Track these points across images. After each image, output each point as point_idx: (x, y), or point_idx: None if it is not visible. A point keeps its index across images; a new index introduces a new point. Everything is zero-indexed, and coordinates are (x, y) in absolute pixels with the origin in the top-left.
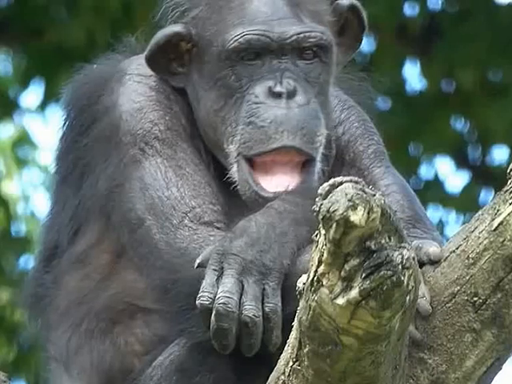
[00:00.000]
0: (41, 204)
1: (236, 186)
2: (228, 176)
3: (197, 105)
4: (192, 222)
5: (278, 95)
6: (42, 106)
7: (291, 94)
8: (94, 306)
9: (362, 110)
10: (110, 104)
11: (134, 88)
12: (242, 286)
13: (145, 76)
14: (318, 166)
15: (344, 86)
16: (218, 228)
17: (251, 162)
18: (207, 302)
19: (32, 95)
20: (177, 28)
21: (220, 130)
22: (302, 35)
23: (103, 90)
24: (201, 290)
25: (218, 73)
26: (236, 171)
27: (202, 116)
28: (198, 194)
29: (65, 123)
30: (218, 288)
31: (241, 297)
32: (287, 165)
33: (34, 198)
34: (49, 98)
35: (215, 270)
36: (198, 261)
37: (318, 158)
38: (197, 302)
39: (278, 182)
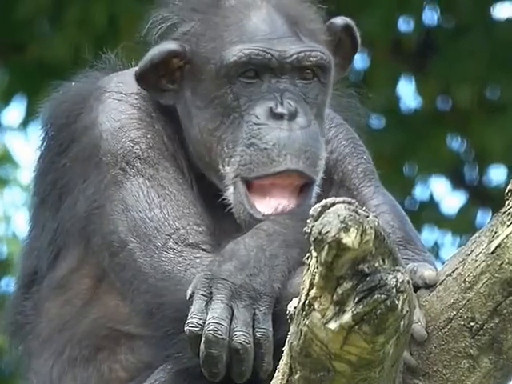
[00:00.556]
0: (23, 225)
1: (230, 209)
2: (220, 197)
3: (188, 123)
4: (176, 243)
5: (280, 116)
6: (24, 124)
7: (292, 116)
8: (76, 333)
9: (350, 128)
10: (89, 123)
11: (114, 106)
12: (232, 311)
13: (125, 94)
14: (316, 189)
15: (332, 102)
16: (203, 250)
17: (248, 184)
18: (196, 329)
19: (14, 112)
20: (172, 46)
21: (215, 150)
22: (302, 54)
23: (82, 108)
24: (189, 316)
25: (214, 91)
26: (232, 193)
27: (194, 135)
28: (182, 214)
29: (43, 143)
30: (207, 314)
31: (231, 322)
32: (286, 188)
33: (15, 218)
34: (31, 115)
35: (204, 295)
36: (189, 292)
37: (318, 181)
38: (185, 328)
39: (275, 204)
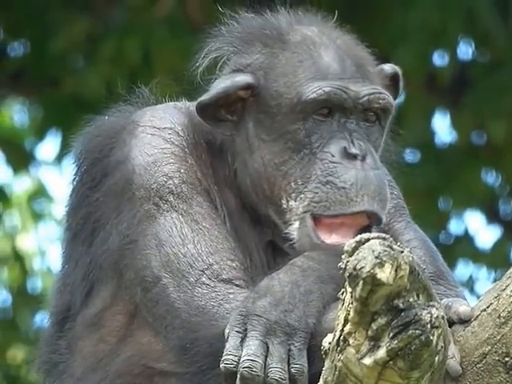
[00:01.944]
0: (57, 259)
1: (291, 244)
2: (279, 233)
3: (248, 155)
4: (210, 279)
5: (353, 157)
6: (59, 158)
7: (363, 157)
8: (110, 371)
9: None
10: (122, 157)
11: (148, 140)
12: (267, 347)
13: (158, 128)
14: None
15: None
16: (237, 285)
17: (316, 220)
18: (232, 366)
19: (48, 147)
20: (247, 79)
21: (279, 184)
22: (372, 96)
23: (115, 142)
24: (225, 353)
25: (287, 126)
26: (297, 228)
27: (256, 167)
28: (216, 249)
29: (75, 177)
30: (242, 351)
31: (266, 359)
32: (353, 227)
33: (50, 252)
34: (65, 149)
35: (239, 332)
36: (226, 331)
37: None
38: (221, 365)
39: (339, 242)
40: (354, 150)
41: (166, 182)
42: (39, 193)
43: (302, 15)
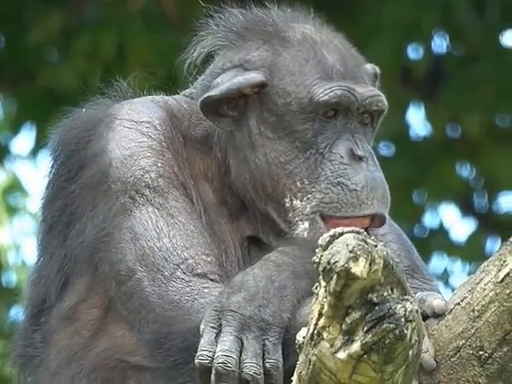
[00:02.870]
0: (32, 253)
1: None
2: (273, 230)
3: (249, 152)
4: (185, 273)
5: (359, 158)
6: (34, 152)
7: (368, 158)
8: (84, 365)
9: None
10: (98, 150)
11: (125, 134)
12: (242, 342)
13: (136, 122)
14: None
15: None
16: (212, 280)
17: (324, 220)
18: (206, 361)
19: (23, 141)
20: (260, 77)
21: (283, 182)
22: (373, 98)
23: (92, 135)
24: (199, 348)
25: (295, 125)
26: (307, 228)
27: (258, 164)
28: (191, 244)
29: (52, 169)
30: (216, 346)
31: (241, 354)
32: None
33: (24, 246)
34: (40, 143)
35: (213, 327)
36: (201, 326)
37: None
38: (196, 361)
39: None
40: (359, 152)
41: (142, 175)
42: (14, 187)
43: (294, 12)
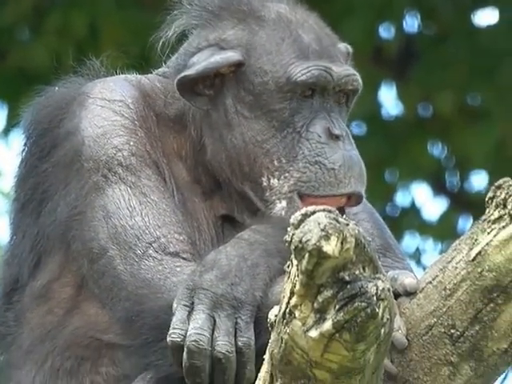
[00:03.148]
0: (5, 232)
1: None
2: (249, 209)
3: (226, 131)
4: (157, 252)
5: (337, 137)
6: (5, 132)
7: (344, 137)
8: (57, 343)
9: None
10: (71, 128)
11: (98, 112)
12: (214, 321)
13: (108, 100)
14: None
15: None
16: (184, 258)
17: (301, 199)
18: (178, 340)
19: None
20: (237, 56)
21: (260, 161)
22: (349, 78)
23: (65, 113)
24: (171, 326)
25: (272, 104)
26: (284, 207)
27: (234, 143)
28: (164, 223)
29: (24, 148)
30: (189, 324)
31: (213, 332)
32: (333, 204)
33: None
34: (12, 123)
35: (186, 305)
36: (174, 305)
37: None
38: (168, 339)
39: None
40: (336, 131)
41: (115, 154)
42: None
43: None
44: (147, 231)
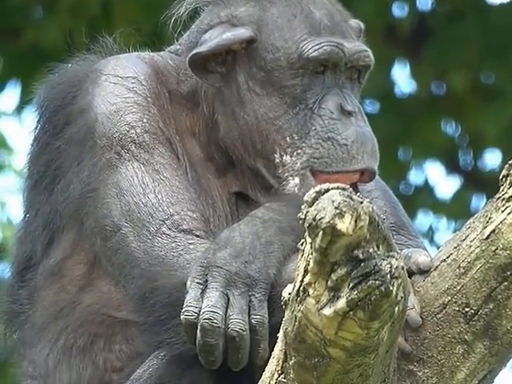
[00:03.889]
0: (17, 210)
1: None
2: (263, 186)
3: (238, 108)
4: (170, 229)
5: (349, 114)
6: (19, 109)
7: (357, 113)
8: (71, 321)
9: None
10: (84, 105)
11: (111, 89)
12: (228, 299)
13: (121, 77)
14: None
15: None
16: (197, 236)
17: (314, 175)
18: (192, 317)
19: (8, 98)
20: (250, 33)
21: (272, 138)
22: (361, 54)
23: (78, 90)
24: (185, 304)
25: (284, 80)
26: (297, 184)
27: (247, 120)
28: (177, 200)
29: (37, 125)
30: (202, 302)
31: (226, 310)
32: (347, 183)
33: (10, 203)
34: (25, 100)
35: (199, 283)
36: (188, 283)
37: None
38: (181, 317)
39: None
40: (349, 107)
41: (128, 131)
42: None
43: None
44: (160, 208)
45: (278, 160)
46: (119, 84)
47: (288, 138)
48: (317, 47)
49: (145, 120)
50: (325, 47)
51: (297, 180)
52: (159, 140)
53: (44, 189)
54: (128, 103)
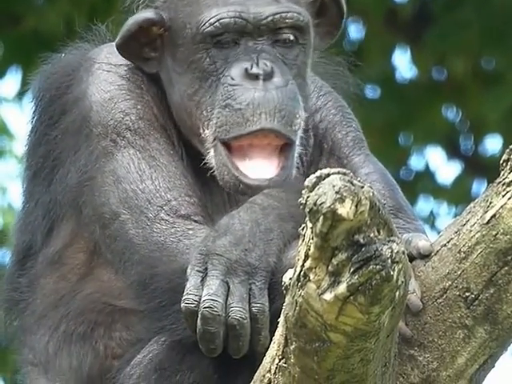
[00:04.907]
0: (18, 196)
1: (213, 172)
2: (205, 163)
3: (171, 90)
4: (168, 215)
5: (255, 77)
6: (19, 96)
7: (268, 76)
8: (71, 308)
9: (338, 96)
10: (79, 94)
11: (104, 77)
12: (228, 287)
13: (115, 65)
14: (297, 150)
15: (319, 70)
16: (195, 221)
17: (228, 146)
18: (192, 305)
19: (9, 84)
20: (148, 14)
21: (195, 114)
22: (278, 16)
23: (72, 79)
24: (185, 292)
25: (191, 56)
26: (213, 156)
27: (176, 101)
28: (174, 185)
29: (33, 116)
30: (202, 290)
31: (227, 298)
32: (265, 149)
33: (11, 189)
34: (26, 86)
35: (199, 271)
36: (188, 270)
37: (297, 141)
38: (182, 305)
39: (256, 166)
40: (255, 70)
41: (122, 118)
42: (0, 130)
43: None
44: (158, 194)
45: (202, 135)
46: (112, 72)
47: (204, 112)
48: (212, 20)
49: (139, 107)
50: (221, 20)
51: (212, 152)
52: (154, 126)
53: (43, 179)
54: (121, 90)
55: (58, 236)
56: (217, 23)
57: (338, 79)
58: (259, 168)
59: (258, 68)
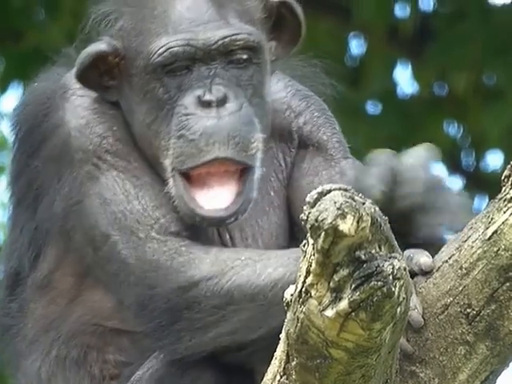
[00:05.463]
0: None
1: (173, 202)
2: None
3: (131, 118)
4: (159, 233)
5: (208, 104)
6: None
7: (221, 102)
8: (62, 332)
9: (318, 99)
10: (57, 121)
11: (78, 102)
12: None
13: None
14: (258, 172)
15: (297, 73)
16: (186, 237)
17: (187, 176)
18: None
19: (10, 100)
20: (100, 46)
21: (154, 143)
22: (227, 39)
23: (48, 107)
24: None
25: (146, 85)
26: (172, 186)
27: (136, 129)
28: (161, 203)
29: (14, 146)
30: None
31: None
32: (223, 176)
33: None
34: None
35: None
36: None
37: (257, 164)
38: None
39: (213, 196)
40: (208, 97)
41: (100, 142)
42: (1, 145)
43: None
44: (146, 214)
45: (163, 164)
46: (86, 96)
47: (162, 141)
48: (162, 50)
49: (115, 128)
50: (170, 49)
51: (171, 182)
52: (131, 146)
53: (27, 207)
54: (95, 114)
55: (44, 261)
56: (166, 53)
57: (315, 81)
58: (215, 197)
59: (211, 95)
